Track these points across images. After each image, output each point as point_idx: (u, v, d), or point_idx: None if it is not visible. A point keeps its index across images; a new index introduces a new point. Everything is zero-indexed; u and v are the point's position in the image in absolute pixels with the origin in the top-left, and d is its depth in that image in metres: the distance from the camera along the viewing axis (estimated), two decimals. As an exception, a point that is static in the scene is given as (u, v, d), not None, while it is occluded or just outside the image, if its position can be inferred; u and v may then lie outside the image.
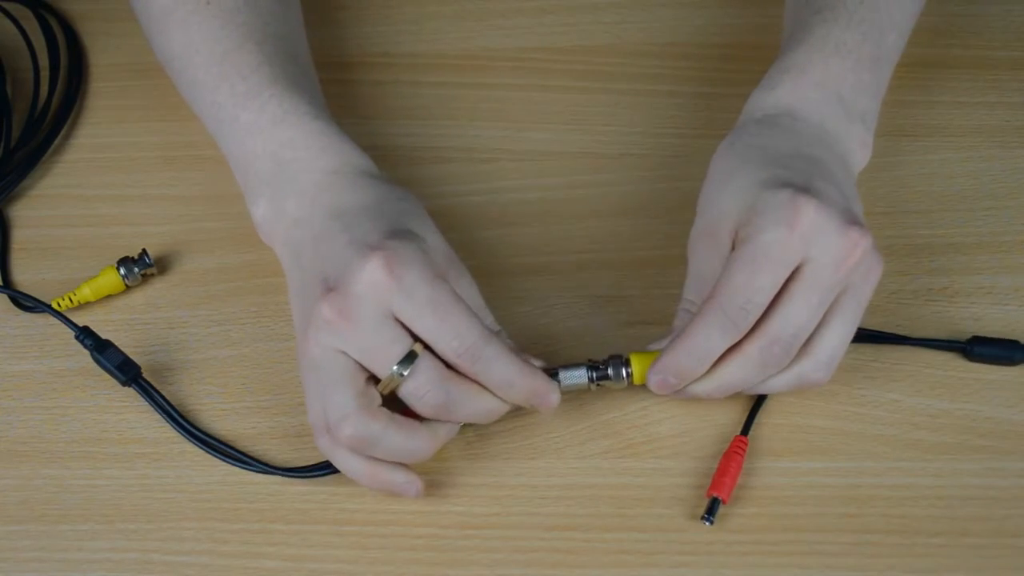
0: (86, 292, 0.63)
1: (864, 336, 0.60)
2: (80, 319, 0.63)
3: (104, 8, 0.75)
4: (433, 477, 0.58)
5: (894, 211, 0.65)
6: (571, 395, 0.59)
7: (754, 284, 0.51)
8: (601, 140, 0.68)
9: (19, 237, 0.67)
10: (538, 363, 0.55)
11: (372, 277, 0.51)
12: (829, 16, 0.59)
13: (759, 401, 0.58)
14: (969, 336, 0.59)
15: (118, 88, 0.73)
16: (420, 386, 0.52)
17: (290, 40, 0.63)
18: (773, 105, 0.58)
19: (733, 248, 0.53)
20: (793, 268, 0.52)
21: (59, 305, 0.63)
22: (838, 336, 0.53)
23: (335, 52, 0.73)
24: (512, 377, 0.53)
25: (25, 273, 0.65)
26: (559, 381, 0.56)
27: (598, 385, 0.56)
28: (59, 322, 0.61)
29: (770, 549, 0.55)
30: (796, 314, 0.52)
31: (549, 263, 0.64)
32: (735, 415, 0.58)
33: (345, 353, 0.52)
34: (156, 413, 0.60)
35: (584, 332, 0.61)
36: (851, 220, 0.52)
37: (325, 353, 0.52)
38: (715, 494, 0.55)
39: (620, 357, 0.56)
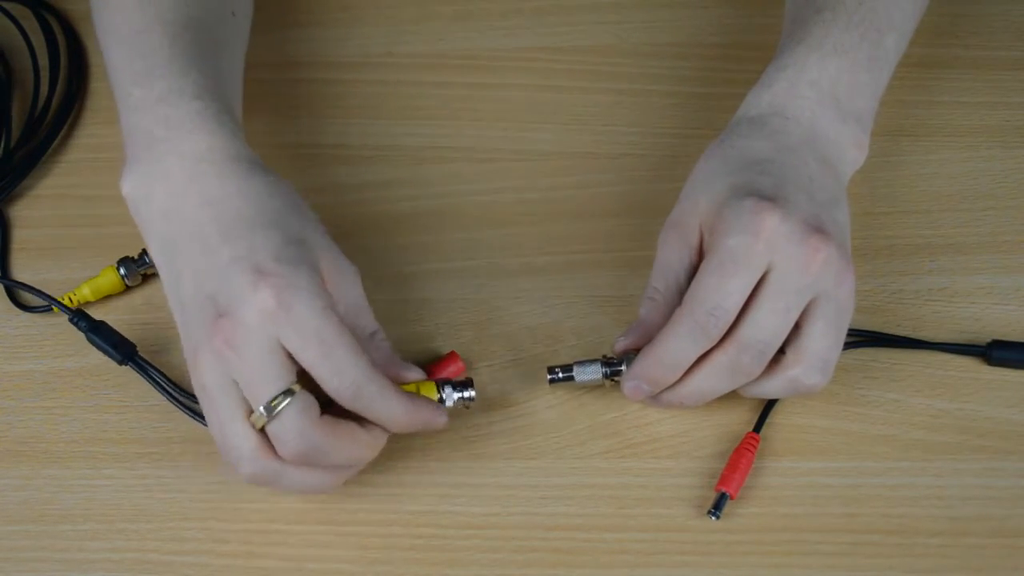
0: (86, 292, 0.63)
1: (882, 340, 0.60)
2: (80, 319, 0.63)
3: (104, 8, 0.75)
4: (433, 477, 0.58)
5: (894, 211, 0.65)
6: (571, 395, 0.59)
7: (722, 289, 0.52)
8: (601, 140, 0.68)
9: (19, 237, 0.67)
10: (416, 372, 0.55)
11: (262, 306, 0.50)
12: (829, 16, 0.59)
13: (772, 399, 0.58)
14: (991, 339, 0.59)
15: (118, 88, 0.73)
16: (283, 431, 0.50)
17: (206, 24, 0.62)
18: (768, 103, 0.58)
19: (700, 244, 0.55)
20: (759, 274, 0.52)
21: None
22: (823, 340, 0.53)
23: (336, 52, 0.73)
24: (394, 413, 0.52)
25: (25, 273, 0.65)
26: (573, 376, 0.57)
27: (614, 380, 0.57)
28: (59, 322, 0.60)
29: (770, 549, 0.55)
30: (763, 320, 0.52)
31: (549, 263, 0.64)
32: (736, 415, 0.58)
33: (236, 383, 0.51)
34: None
35: (584, 332, 0.61)
36: (813, 228, 0.52)
37: (217, 380, 0.51)
38: (723, 489, 0.55)
39: (635, 353, 0.56)
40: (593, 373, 0.57)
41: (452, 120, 0.70)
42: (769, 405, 0.58)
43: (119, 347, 0.60)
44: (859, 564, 0.54)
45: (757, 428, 0.57)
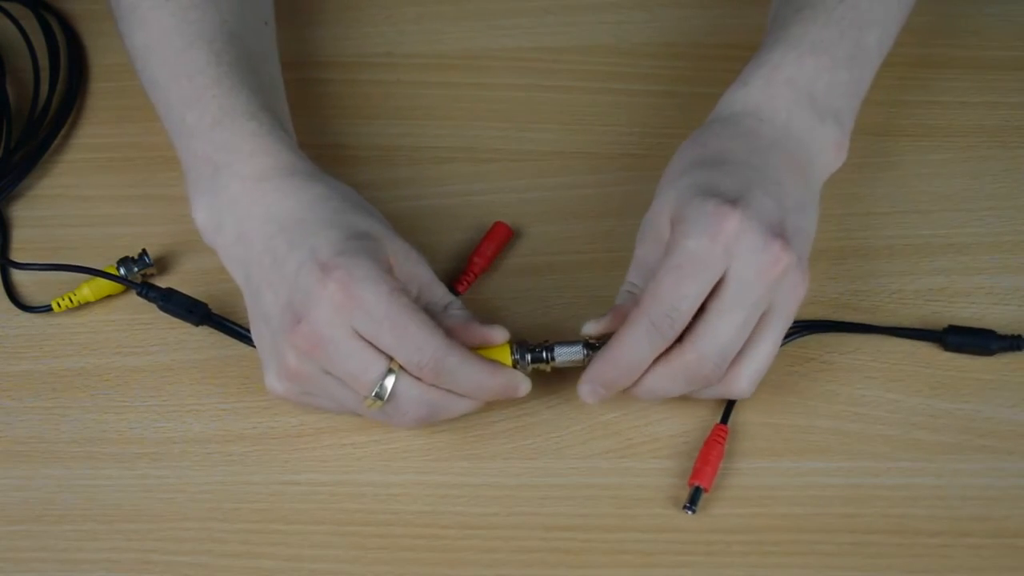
0: (86, 292, 0.63)
1: (840, 326, 0.60)
2: (80, 319, 0.63)
3: (104, 8, 0.75)
4: (433, 477, 0.58)
5: (894, 211, 0.65)
6: (571, 395, 0.59)
7: (679, 292, 0.52)
8: (601, 140, 0.68)
9: (19, 237, 0.67)
10: (500, 332, 0.56)
11: (332, 301, 0.51)
12: (808, 14, 0.59)
13: None
14: (946, 325, 0.60)
15: (118, 88, 0.73)
16: (401, 404, 0.53)
17: (245, 37, 0.63)
18: (743, 102, 0.58)
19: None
20: (717, 277, 0.52)
21: (59, 305, 0.63)
22: (763, 354, 0.54)
23: (336, 52, 0.73)
24: (478, 381, 0.53)
25: (25, 273, 0.65)
26: (555, 357, 0.56)
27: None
28: (59, 322, 0.61)
29: (770, 549, 0.55)
30: (723, 332, 0.52)
31: (549, 263, 0.64)
32: (736, 415, 0.58)
33: (330, 374, 0.53)
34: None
35: (584, 332, 0.61)
36: (775, 234, 0.52)
37: (318, 381, 0.54)
38: (697, 483, 0.55)
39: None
40: (575, 355, 0.56)
41: (452, 120, 0.70)
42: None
43: (193, 309, 0.61)
44: (859, 564, 0.54)
45: (724, 420, 0.57)
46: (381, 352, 0.52)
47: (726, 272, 0.52)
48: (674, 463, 0.57)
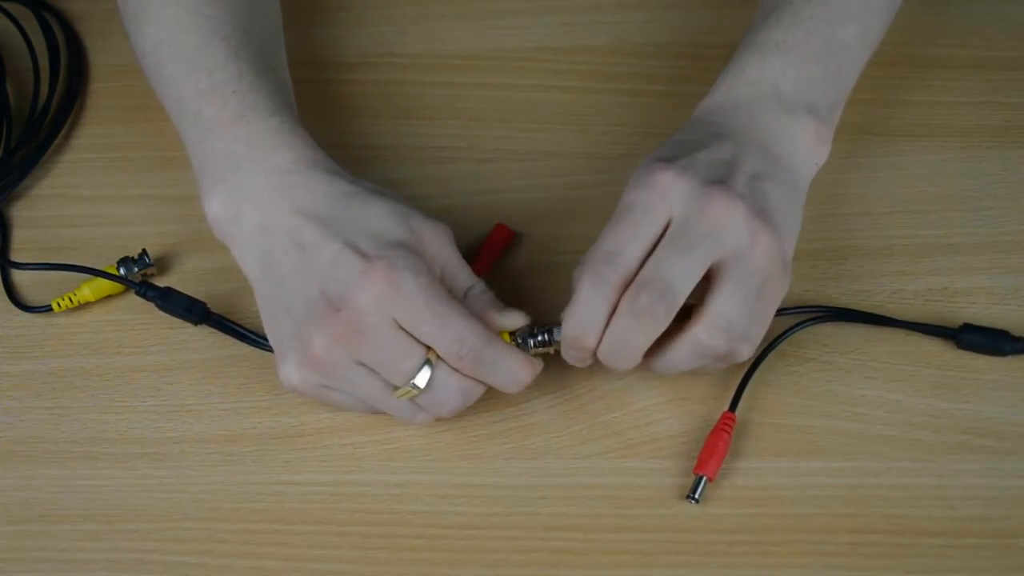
0: (86, 292, 0.63)
1: (852, 316, 0.60)
2: (80, 319, 0.63)
3: (104, 8, 0.75)
4: (433, 477, 0.58)
5: (894, 211, 0.65)
6: (571, 395, 0.59)
7: (616, 236, 0.53)
8: (601, 140, 0.68)
9: (19, 237, 0.67)
10: (520, 317, 0.57)
11: (375, 290, 0.52)
12: (774, 18, 0.60)
13: (747, 376, 0.58)
14: (961, 323, 0.59)
15: (118, 88, 0.73)
16: (438, 394, 0.54)
17: (260, 36, 0.63)
18: (705, 107, 0.59)
19: None
20: (657, 223, 0.53)
21: (59, 305, 0.63)
22: (730, 300, 0.52)
23: (337, 52, 0.73)
24: (514, 373, 0.54)
25: (25, 273, 0.65)
26: (555, 339, 0.57)
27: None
28: (59, 322, 0.60)
29: (770, 549, 0.55)
30: (663, 259, 0.52)
31: (549, 263, 0.64)
32: (736, 415, 0.58)
33: (362, 364, 0.54)
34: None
35: (584, 332, 0.61)
36: (713, 183, 0.53)
37: (347, 370, 0.54)
38: (700, 472, 0.55)
39: None
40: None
41: (452, 120, 0.70)
42: (744, 381, 0.58)
43: (192, 309, 0.61)
44: (859, 564, 0.54)
45: (732, 407, 0.57)
46: (419, 342, 0.53)
47: (670, 220, 0.53)
48: (674, 463, 0.57)
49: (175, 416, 0.60)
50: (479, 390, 0.55)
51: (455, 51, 0.73)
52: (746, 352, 0.54)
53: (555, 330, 0.57)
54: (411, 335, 0.53)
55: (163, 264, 0.65)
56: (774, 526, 0.56)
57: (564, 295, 0.62)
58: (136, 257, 0.63)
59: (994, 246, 0.63)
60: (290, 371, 0.55)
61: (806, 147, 0.58)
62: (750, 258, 0.53)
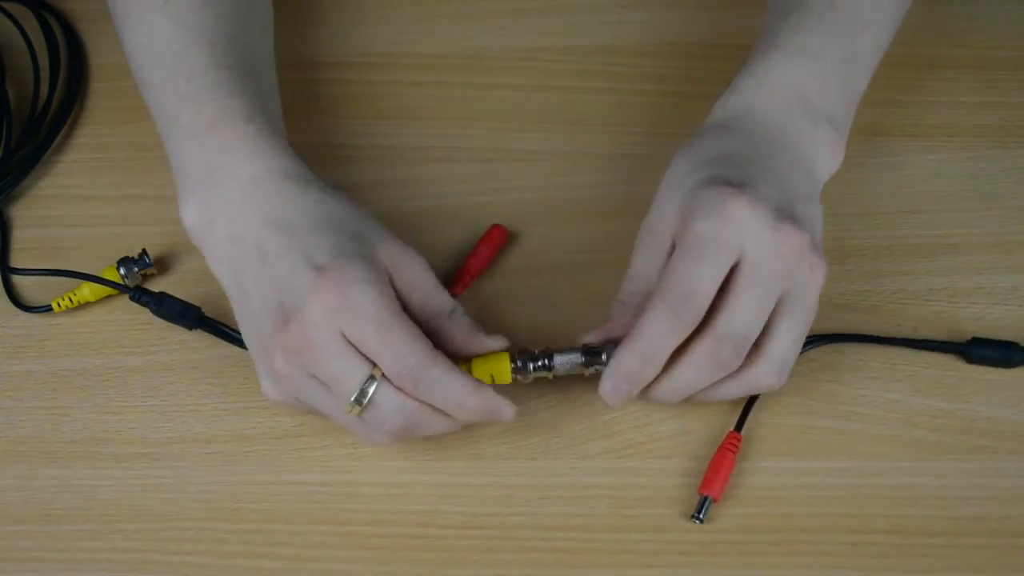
0: (86, 292, 0.63)
1: (862, 338, 0.60)
2: (80, 319, 0.63)
3: (104, 8, 0.74)
4: (433, 477, 0.58)
5: (894, 211, 0.65)
6: (571, 395, 0.59)
7: (693, 274, 0.51)
8: (601, 140, 0.68)
9: (19, 237, 0.67)
10: (498, 341, 0.56)
11: (325, 302, 0.51)
12: (796, 21, 0.59)
13: (753, 397, 0.58)
14: (969, 337, 0.59)
15: (118, 88, 0.73)
16: (381, 411, 0.52)
17: (245, 41, 0.62)
18: (734, 108, 0.58)
19: (671, 249, 0.54)
20: (731, 259, 0.51)
21: (59, 305, 0.63)
22: (787, 338, 0.53)
23: (336, 52, 0.73)
24: (458, 399, 0.53)
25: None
26: (554, 365, 0.56)
27: (595, 370, 0.56)
28: (59, 322, 0.60)
29: (770, 549, 0.55)
30: (741, 311, 0.51)
31: (549, 263, 0.64)
32: (736, 415, 0.58)
33: (315, 377, 0.53)
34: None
35: (584, 332, 0.61)
36: (784, 215, 0.52)
37: (304, 384, 0.53)
38: (706, 493, 0.55)
39: (616, 342, 0.55)
40: (574, 362, 0.56)
41: (452, 120, 0.70)
42: (750, 402, 0.58)
43: (187, 314, 0.61)
44: (859, 564, 0.54)
45: (738, 427, 0.57)
46: (366, 358, 0.52)
47: (741, 257, 0.51)
48: (674, 463, 0.57)
49: (175, 416, 0.60)
50: (423, 414, 0.53)
51: (455, 51, 0.73)
52: (779, 385, 0.54)
53: (555, 356, 0.56)
54: (358, 350, 0.52)
55: (163, 264, 0.65)
56: (774, 526, 0.55)
57: (563, 295, 0.63)
58: (136, 257, 0.63)
59: (994, 246, 0.63)
60: (266, 386, 0.55)
61: (825, 157, 0.58)
62: (807, 294, 0.53)
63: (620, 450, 0.58)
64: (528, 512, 0.57)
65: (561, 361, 0.56)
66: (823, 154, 0.58)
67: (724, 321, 0.52)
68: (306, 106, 0.71)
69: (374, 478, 0.58)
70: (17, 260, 0.66)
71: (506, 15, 0.74)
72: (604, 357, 0.56)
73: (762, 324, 0.52)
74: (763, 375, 0.53)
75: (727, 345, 0.52)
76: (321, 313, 0.51)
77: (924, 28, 0.70)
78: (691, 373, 0.53)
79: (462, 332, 0.55)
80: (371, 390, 0.52)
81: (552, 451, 0.58)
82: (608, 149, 0.68)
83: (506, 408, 0.54)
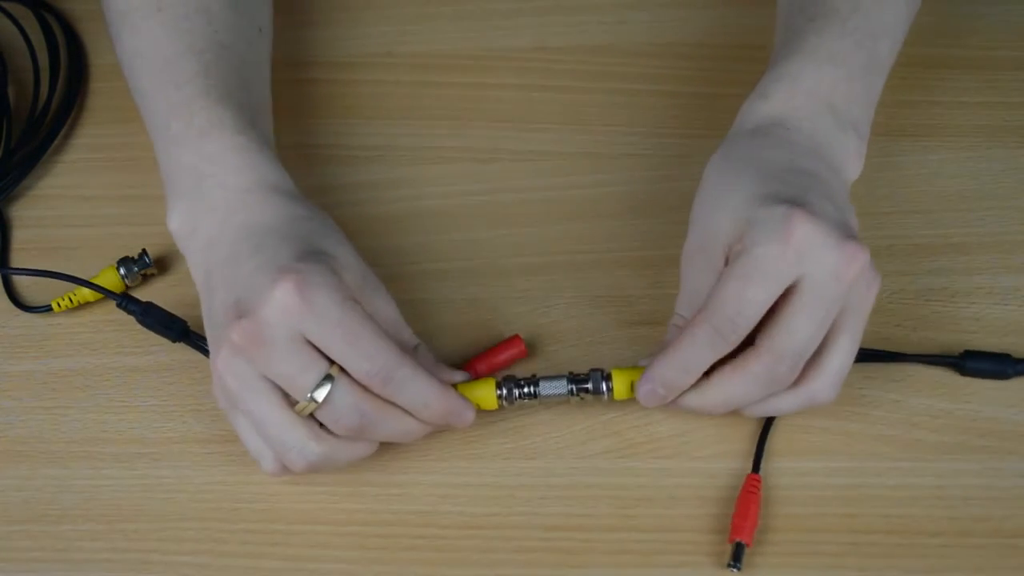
0: (86, 292, 0.63)
1: (860, 355, 0.59)
2: (80, 319, 0.63)
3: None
4: (433, 477, 0.58)
5: (894, 211, 0.65)
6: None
7: (744, 296, 0.51)
8: (601, 140, 0.68)
9: (19, 237, 0.67)
10: (460, 375, 0.57)
11: (283, 301, 0.50)
12: (822, 24, 0.59)
13: (765, 432, 0.57)
14: (962, 350, 0.59)
15: (118, 88, 0.72)
16: (335, 411, 0.52)
17: (237, 48, 0.62)
18: (766, 115, 0.58)
19: (727, 264, 0.53)
20: (787, 284, 0.51)
21: (59, 305, 0.63)
22: (844, 354, 0.53)
23: (336, 52, 0.73)
24: (425, 398, 0.53)
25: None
26: (539, 392, 0.56)
27: (580, 398, 0.57)
28: (59, 322, 0.60)
29: (770, 549, 0.55)
30: (801, 329, 0.51)
31: (549, 263, 0.64)
32: (735, 415, 0.58)
33: (265, 377, 0.52)
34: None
35: (584, 332, 0.61)
36: (847, 235, 0.51)
37: (246, 380, 0.52)
38: (738, 539, 0.54)
39: (601, 371, 0.56)
40: (558, 389, 0.56)
41: (452, 120, 0.70)
42: (763, 437, 0.57)
43: (171, 326, 0.60)
44: (859, 564, 0.54)
45: (755, 468, 0.56)
46: (323, 356, 0.51)
47: (800, 277, 0.51)
48: (674, 463, 0.57)
49: (175, 416, 0.60)
50: (381, 416, 0.53)
51: (455, 51, 0.73)
52: (833, 399, 0.54)
53: (541, 383, 0.56)
54: (318, 349, 0.51)
55: (163, 264, 0.65)
56: (774, 526, 0.55)
57: (563, 295, 0.62)
58: (136, 257, 0.63)
59: (994, 246, 0.63)
60: (215, 391, 0.54)
61: (852, 166, 0.58)
62: (864, 309, 0.53)
63: (620, 450, 0.58)
64: (528, 512, 0.57)
65: (547, 388, 0.57)
66: (850, 163, 0.58)
67: (783, 339, 0.51)
68: (306, 106, 0.71)
69: (374, 478, 0.58)
70: (17, 260, 0.66)
71: (506, 15, 0.74)
72: (590, 385, 0.56)
73: (818, 341, 0.52)
74: (820, 390, 0.53)
75: (785, 362, 0.51)
76: (277, 313, 0.50)
77: (924, 28, 0.70)
78: (744, 387, 0.53)
79: (426, 366, 0.55)
80: (328, 387, 0.51)
81: (552, 451, 0.58)
82: (608, 149, 0.68)
83: (468, 412, 0.54)
